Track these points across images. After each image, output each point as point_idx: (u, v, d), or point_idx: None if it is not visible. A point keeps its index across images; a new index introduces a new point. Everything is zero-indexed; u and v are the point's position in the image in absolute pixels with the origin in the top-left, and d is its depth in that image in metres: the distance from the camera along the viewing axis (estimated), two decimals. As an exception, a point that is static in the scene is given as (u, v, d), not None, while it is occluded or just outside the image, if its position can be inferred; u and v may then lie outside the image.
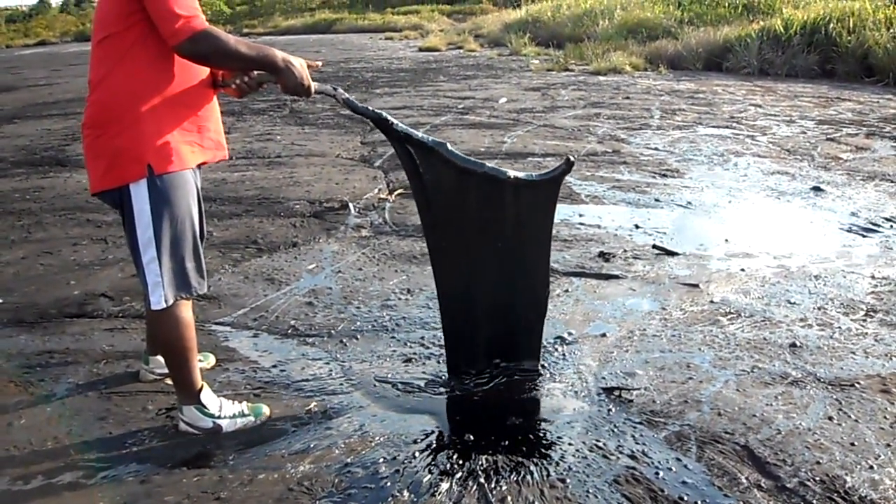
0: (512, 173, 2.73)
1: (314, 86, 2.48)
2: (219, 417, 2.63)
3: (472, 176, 2.70)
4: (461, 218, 2.81)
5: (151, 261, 2.39)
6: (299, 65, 2.43)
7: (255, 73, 2.51)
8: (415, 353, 3.22)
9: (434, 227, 2.85)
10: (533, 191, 2.78)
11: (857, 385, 2.88)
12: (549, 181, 2.78)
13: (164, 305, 2.45)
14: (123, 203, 2.38)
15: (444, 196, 2.76)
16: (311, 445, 2.57)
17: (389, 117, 2.63)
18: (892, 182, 5.82)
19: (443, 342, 3.10)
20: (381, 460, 2.48)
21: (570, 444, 2.56)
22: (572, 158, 2.76)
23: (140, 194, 2.34)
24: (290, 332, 3.45)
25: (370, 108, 2.64)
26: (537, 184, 2.78)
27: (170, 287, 2.44)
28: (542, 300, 2.97)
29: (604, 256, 4.31)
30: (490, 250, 2.85)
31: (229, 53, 2.29)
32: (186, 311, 2.54)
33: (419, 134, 2.67)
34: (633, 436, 2.59)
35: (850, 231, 4.72)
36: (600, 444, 2.55)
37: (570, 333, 3.36)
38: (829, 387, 2.87)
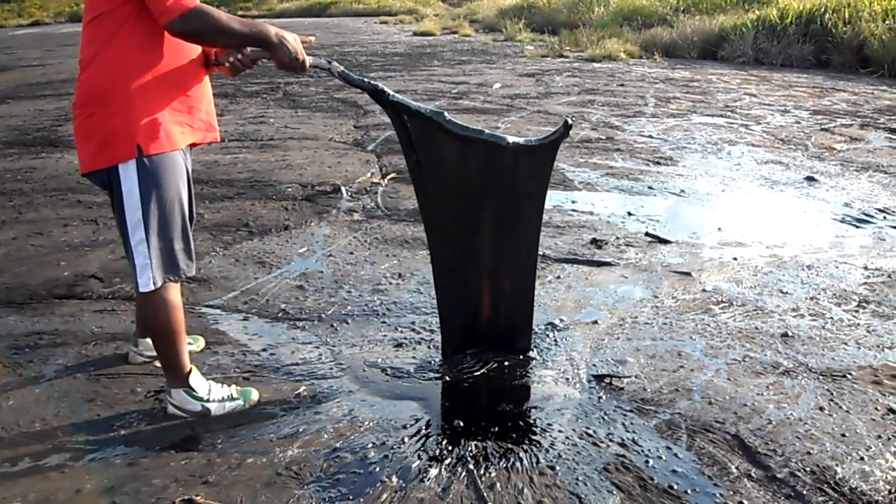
0: (511, 139, 2.73)
1: (308, 60, 2.46)
2: (207, 401, 2.62)
3: (471, 143, 2.69)
4: (458, 186, 2.80)
5: (140, 242, 2.37)
6: (293, 39, 2.40)
7: (249, 49, 2.47)
8: (405, 338, 3.20)
9: (430, 197, 2.83)
10: (532, 156, 2.79)
11: (848, 376, 2.88)
12: (548, 145, 2.79)
13: (153, 287, 2.43)
14: (112, 184, 2.35)
15: (442, 165, 2.74)
16: (300, 430, 2.56)
17: (386, 88, 2.63)
18: (885, 173, 5.82)
19: (433, 327, 3.08)
20: (370, 445, 2.47)
21: (559, 432, 2.56)
22: (570, 121, 2.75)
23: (129, 175, 2.32)
24: (280, 315, 3.44)
25: (366, 79, 2.62)
26: (536, 149, 2.78)
27: (158, 269, 2.42)
28: (532, 268, 2.99)
29: (596, 243, 4.30)
30: (488, 217, 2.85)
31: (222, 30, 2.27)
32: (175, 293, 2.52)
33: (416, 104, 2.66)
34: (623, 424, 2.59)
35: (843, 221, 4.72)
36: (590, 432, 2.54)
37: (561, 320, 3.35)
38: (821, 377, 2.87)
